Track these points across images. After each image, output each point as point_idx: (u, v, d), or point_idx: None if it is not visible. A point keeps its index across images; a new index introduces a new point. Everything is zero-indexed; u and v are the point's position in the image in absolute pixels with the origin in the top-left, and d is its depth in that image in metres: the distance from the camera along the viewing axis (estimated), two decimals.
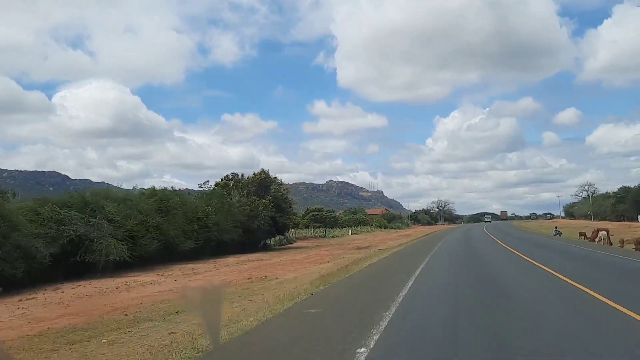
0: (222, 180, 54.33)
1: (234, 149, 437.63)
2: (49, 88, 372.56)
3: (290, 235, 65.07)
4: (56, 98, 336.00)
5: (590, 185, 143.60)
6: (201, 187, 46.52)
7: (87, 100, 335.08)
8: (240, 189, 51.55)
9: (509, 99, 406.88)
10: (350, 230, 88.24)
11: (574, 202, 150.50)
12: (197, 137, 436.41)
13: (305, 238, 68.61)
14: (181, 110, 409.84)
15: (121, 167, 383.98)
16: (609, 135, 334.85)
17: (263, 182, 53.59)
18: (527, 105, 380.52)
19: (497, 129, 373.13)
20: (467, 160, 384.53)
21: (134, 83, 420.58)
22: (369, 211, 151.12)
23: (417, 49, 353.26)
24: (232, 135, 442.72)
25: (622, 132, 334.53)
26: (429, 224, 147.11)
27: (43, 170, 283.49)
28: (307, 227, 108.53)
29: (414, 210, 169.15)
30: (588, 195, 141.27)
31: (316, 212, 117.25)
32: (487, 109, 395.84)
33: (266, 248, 53.35)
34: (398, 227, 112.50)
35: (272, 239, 56.94)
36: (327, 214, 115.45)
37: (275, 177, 55.32)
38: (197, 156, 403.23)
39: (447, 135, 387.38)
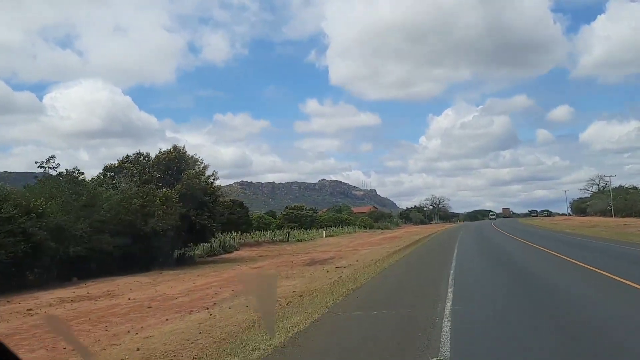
0: (118, 161, 35.67)
1: (227, 149, 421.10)
2: (39, 89, 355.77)
3: (232, 241, 46.58)
4: (46, 99, 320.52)
5: (601, 179, 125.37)
6: (42, 168, 27.76)
7: (78, 101, 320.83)
8: (131, 175, 33.13)
9: (502, 96, 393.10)
10: (325, 232, 69.60)
11: (584, 197, 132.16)
12: (189, 137, 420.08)
13: (257, 244, 50.06)
14: (173, 110, 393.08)
15: None
16: (603, 132, 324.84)
17: (174, 165, 35.05)
18: (520, 102, 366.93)
19: (490, 126, 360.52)
20: (460, 158, 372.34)
21: (124, 83, 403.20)
22: (356, 209, 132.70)
23: (410, 46, 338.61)
24: (224, 135, 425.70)
25: (615, 129, 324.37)
26: (422, 223, 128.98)
27: (33, 171, 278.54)
28: (280, 227, 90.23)
29: (405, 208, 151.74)
30: (600, 189, 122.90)
31: (291, 211, 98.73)
32: (481, 106, 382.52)
33: (183, 262, 34.87)
34: (386, 227, 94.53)
35: (195, 247, 38.64)
36: (305, 212, 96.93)
37: (196, 158, 36.46)
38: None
39: (441, 134, 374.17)
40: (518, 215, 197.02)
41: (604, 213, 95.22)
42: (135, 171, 33.61)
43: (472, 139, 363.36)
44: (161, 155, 34.58)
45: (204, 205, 34.13)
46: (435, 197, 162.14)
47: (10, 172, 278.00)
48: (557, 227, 66.05)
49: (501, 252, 26.69)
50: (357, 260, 29.05)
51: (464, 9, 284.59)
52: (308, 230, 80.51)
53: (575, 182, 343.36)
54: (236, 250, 44.17)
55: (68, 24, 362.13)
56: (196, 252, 40.33)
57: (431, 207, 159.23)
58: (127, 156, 36.02)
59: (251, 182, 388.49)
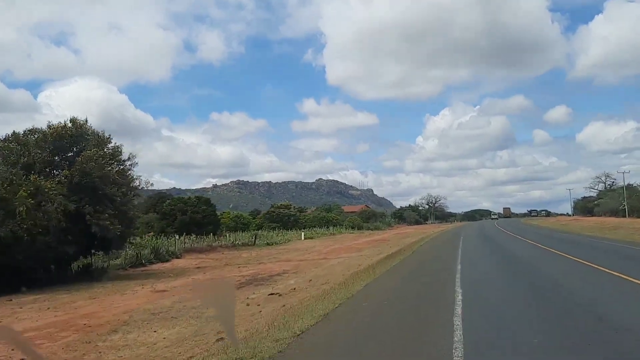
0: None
1: (223, 148, 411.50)
2: (34, 87, 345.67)
3: (173, 246, 36.53)
4: (41, 97, 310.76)
5: (608, 176, 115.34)
6: None
7: (73, 99, 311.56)
8: (6, 157, 23.14)
9: (499, 96, 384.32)
10: (304, 234, 59.53)
11: (588, 197, 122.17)
12: (185, 136, 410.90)
13: (209, 249, 39.68)
14: (169, 108, 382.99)
15: None
16: (600, 133, 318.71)
17: (70, 145, 25.02)
18: (518, 103, 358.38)
19: (487, 127, 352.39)
20: (457, 159, 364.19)
21: (120, 81, 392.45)
22: (347, 208, 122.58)
23: (407, 46, 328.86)
24: (221, 134, 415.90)
25: (612, 130, 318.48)
26: (417, 223, 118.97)
27: None
28: (260, 227, 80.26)
29: (398, 207, 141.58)
30: (606, 188, 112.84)
31: (274, 211, 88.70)
32: (478, 106, 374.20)
33: (89, 276, 24.99)
34: (377, 228, 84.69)
35: (110, 256, 28.74)
36: (289, 212, 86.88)
37: (106, 136, 26.12)
38: (186, 155, 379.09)
39: (438, 134, 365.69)
40: (517, 215, 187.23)
41: (615, 213, 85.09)
42: (13, 152, 23.61)
43: (469, 139, 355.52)
44: (50, 131, 24.50)
45: (107, 199, 24.07)
46: (432, 196, 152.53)
47: None
48: (572, 229, 56.03)
49: (561, 291, 12.70)
50: (310, 281, 19.24)
51: (461, 9, 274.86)
52: (289, 231, 70.56)
53: (572, 182, 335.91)
54: (177, 257, 34.27)
55: (63, 21, 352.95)
56: (116, 261, 30.36)
57: (427, 206, 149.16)
58: (14, 133, 25.97)
59: (247, 181, 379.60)
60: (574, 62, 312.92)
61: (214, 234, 57.60)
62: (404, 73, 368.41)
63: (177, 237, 45.15)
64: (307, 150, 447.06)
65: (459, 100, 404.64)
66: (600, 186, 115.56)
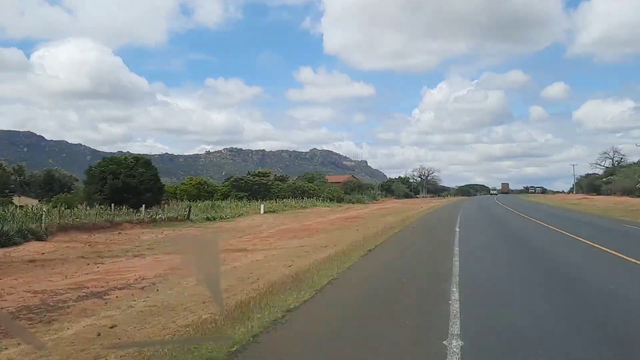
0: None
1: (218, 114, 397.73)
2: (27, 46, 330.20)
3: (36, 221, 24.64)
4: (34, 57, 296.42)
5: (616, 152, 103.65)
6: None
7: (67, 60, 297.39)
8: None
9: (497, 70, 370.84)
10: (263, 207, 47.68)
11: (593, 174, 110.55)
12: (180, 101, 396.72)
13: (109, 225, 27.92)
14: (164, 73, 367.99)
15: (102, 129, 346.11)
16: (596, 111, 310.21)
17: None
18: (516, 78, 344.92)
19: (484, 101, 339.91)
20: (453, 133, 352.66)
21: (114, 43, 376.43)
22: (332, 178, 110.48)
23: (407, 16, 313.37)
24: (216, 100, 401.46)
25: (609, 109, 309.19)
26: (407, 196, 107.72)
27: (18, 130, 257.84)
28: (226, 197, 68.70)
29: (387, 178, 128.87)
30: (614, 164, 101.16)
31: (242, 178, 76.92)
32: (475, 81, 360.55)
33: None
34: (359, 201, 73.15)
35: None
36: (260, 180, 75.12)
37: None
38: (181, 121, 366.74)
39: (434, 107, 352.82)
40: (513, 191, 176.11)
41: (630, 192, 73.56)
42: None
43: (465, 114, 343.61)
44: None
45: None
46: (424, 168, 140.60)
47: (11, 131, 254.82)
48: (592, 209, 44.32)
49: None
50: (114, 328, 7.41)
51: None
52: (254, 202, 58.81)
53: (568, 160, 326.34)
54: (38, 239, 22.72)
55: None
56: None
57: (419, 179, 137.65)
58: None
59: (241, 149, 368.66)
60: (574, 38, 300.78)
61: (156, 203, 46.52)
62: (402, 44, 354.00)
63: (98, 206, 34.59)
64: (303, 120, 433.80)
65: (456, 74, 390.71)
66: (607, 162, 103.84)
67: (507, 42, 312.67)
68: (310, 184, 74.19)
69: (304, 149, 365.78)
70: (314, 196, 70.51)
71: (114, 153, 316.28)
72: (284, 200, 64.33)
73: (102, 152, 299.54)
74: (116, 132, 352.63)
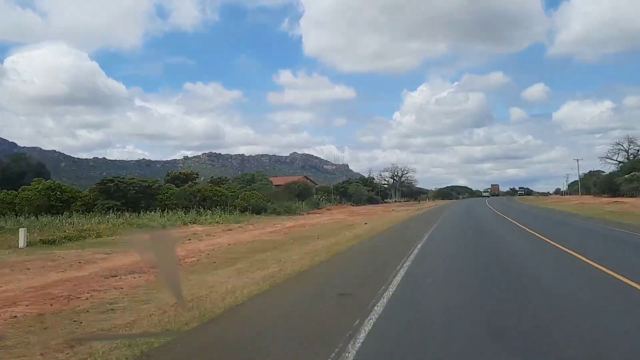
0: None
1: (198, 119, 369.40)
2: None
3: None
4: (8, 61, 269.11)
5: (632, 142, 78.99)
6: None
7: (42, 65, 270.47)
8: None
9: (478, 72, 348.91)
10: (24, 233, 22.21)
11: (598, 171, 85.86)
12: (159, 106, 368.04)
13: None
14: (141, 77, 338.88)
15: (81, 136, 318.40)
16: (576, 112, 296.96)
17: None
18: (496, 79, 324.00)
19: (465, 103, 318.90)
20: (434, 135, 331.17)
21: (90, 47, 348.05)
22: (279, 179, 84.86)
23: (386, 17, 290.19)
24: (195, 105, 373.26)
25: (588, 109, 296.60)
26: (372, 201, 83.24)
27: None
28: (90, 209, 43.13)
29: (342, 180, 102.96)
30: (630, 157, 76.44)
31: (112, 180, 51.01)
32: (456, 82, 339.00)
33: None
34: (289, 211, 47.14)
35: None
36: (143, 183, 49.31)
37: None
38: (160, 126, 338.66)
39: (415, 109, 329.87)
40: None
41: None
42: None
43: (446, 116, 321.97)
44: None
45: None
46: (397, 167, 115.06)
47: None
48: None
49: None
50: None
51: None
52: (140, 215, 33.25)
53: (547, 161, 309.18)
54: None
55: None
56: None
57: (392, 179, 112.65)
58: None
59: (220, 153, 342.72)
60: (554, 39, 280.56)
61: None
62: (382, 45, 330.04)
63: None
64: (283, 123, 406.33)
65: (437, 75, 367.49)
66: (622, 155, 79.11)
67: (487, 42, 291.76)
68: (218, 189, 48.47)
69: (285, 153, 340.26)
70: (221, 204, 45.09)
71: (90, 160, 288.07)
72: (173, 212, 39.49)
73: (78, 158, 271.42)
74: (94, 139, 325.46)
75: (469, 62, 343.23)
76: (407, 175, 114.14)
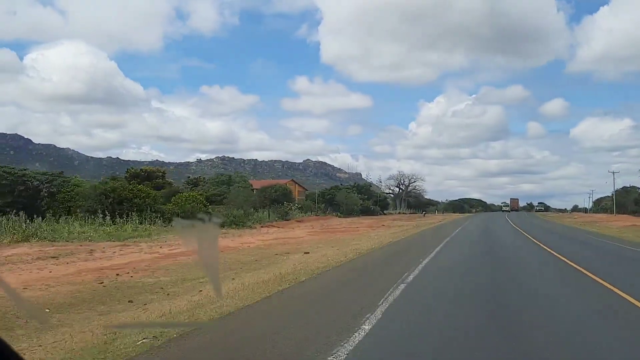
0: None
1: (213, 122, 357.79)
2: (19, 47, 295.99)
3: None
4: (27, 59, 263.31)
5: None
6: None
7: (61, 63, 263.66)
8: None
9: (496, 85, 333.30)
10: None
11: (635, 187, 70.65)
12: (175, 108, 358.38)
13: None
14: (159, 79, 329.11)
15: (96, 135, 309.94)
16: (594, 129, 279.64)
17: None
18: (515, 93, 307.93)
19: (482, 116, 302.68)
20: (449, 147, 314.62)
21: (109, 47, 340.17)
22: (260, 182, 71.18)
23: (405, 27, 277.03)
24: (211, 108, 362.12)
25: (607, 127, 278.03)
26: (366, 212, 67.21)
27: (4, 132, 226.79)
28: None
29: (329, 185, 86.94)
30: None
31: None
32: (474, 95, 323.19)
33: None
34: (238, 223, 33.87)
35: None
36: (25, 178, 36.16)
37: None
38: (176, 128, 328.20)
39: (431, 121, 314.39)
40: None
41: None
42: None
43: (462, 128, 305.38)
44: None
45: None
46: (403, 174, 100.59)
47: None
48: None
49: None
50: None
51: None
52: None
53: (562, 178, 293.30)
54: None
55: None
56: None
57: (397, 188, 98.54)
58: None
59: (233, 157, 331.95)
60: (575, 54, 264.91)
61: None
62: (400, 55, 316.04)
63: None
64: (298, 130, 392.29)
65: (454, 87, 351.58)
66: None
67: (507, 55, 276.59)
68: (142, 189, 34.77)
69: (299, 159, 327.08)
70: (142, 210, 31.83)
71: (104, 159, 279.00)
72: (63, 218, 26.59)
73: (92, 157, 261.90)
74: (110, 138, 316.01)
75: (487, 75, 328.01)
76: (415, 184, 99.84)
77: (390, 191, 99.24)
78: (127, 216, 31.93)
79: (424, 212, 76.36)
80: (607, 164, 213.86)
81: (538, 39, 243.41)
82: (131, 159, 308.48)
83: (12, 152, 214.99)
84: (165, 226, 30.60)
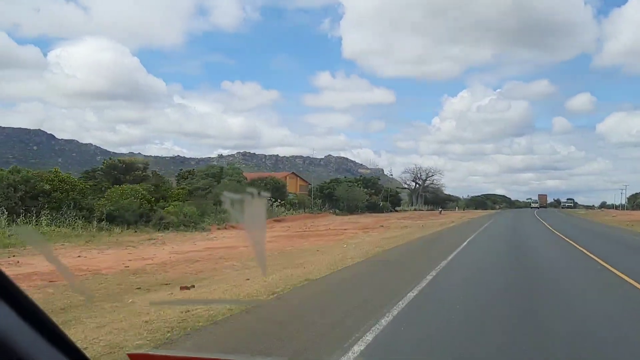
0: None
1: (235, 118, 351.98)
2: (43, 44, 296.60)
3: None
4: (51, 55, 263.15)
5: None
6: None
7: (84, 59, 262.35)
8: None
9: (522, 80, 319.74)
10: None
11: None
12: (197, 104, 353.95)
13: None
14: (181, 75, 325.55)
15: (119, 130, 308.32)
16: (621, 124, 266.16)
17: None
18: (541, 88, 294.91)
19: (507, 111, 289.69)
20: (473, 143, 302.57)
21: (131, 43, 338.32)
22: (254, 175, 63.03)
23: (428, 20, 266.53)
24: (232, 103, 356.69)
25: (635, 122, 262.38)
26: (374, 209, 57.69)
27: (28, 128, 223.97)
28: None
29: (326, 181, 73.69)
30: None
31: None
32: (498, 90, 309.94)
33: None
34: (195, 227, 25.92)
35: None
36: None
37: None
38: (198, 124, 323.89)
39: (455, 116, 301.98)
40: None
41: None
42: None
43: (487, 124, 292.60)
44: None
45: None
46: (420, 168, 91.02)
47: (4, 128, 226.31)
48: None
49: None
50: None
51: None
52: None
53: (588, 174, 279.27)
54: None
55: None
56: None
57: (413, 183, 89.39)
58: None
59: (254, 153, 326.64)
60: (603, 47, 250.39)
61: None
62: (423, 49, 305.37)
63: None
64: (320, 125, 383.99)
65: (478, 82, 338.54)
66: None
67: (533, 50, 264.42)
68: (69, 179, 26.86)
69: (320, 155, 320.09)
70: (61, 206, 24.11)
71: (125, 154, 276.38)
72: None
73: (114, 152, 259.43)
74: (133, 134, 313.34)
75: (512, 69, 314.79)
76: (432, 178, 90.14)
77: (407, 186, 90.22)
78: (44, 212, 24.20)
79: (440, 209, 66.87)
80: (635, 159, 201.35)
81: (564, 33, 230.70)
82: (153, 155, 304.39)
83: (35, 148, 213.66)
84: (89, 227, 22.69)
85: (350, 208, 51.58)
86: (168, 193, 34.31)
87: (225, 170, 59.11)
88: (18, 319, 0.99)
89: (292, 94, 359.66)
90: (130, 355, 1.27)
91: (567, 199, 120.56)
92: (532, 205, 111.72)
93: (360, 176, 69.17)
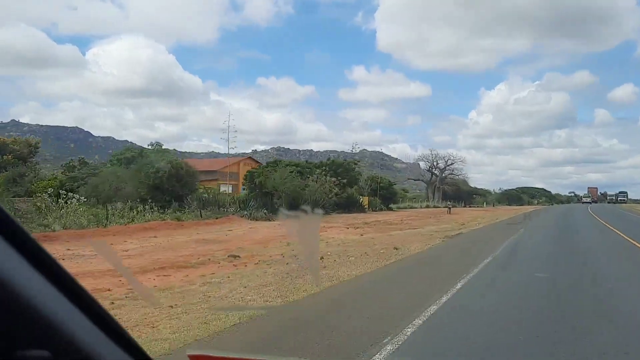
0: None
1: (271, 114, 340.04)
2: (81, 43, 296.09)
3: None
4: (89, 54, 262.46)
5: None
6: None
7: (121, 57, 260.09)
8: None
9: (561, 71, 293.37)
10: None
11: None
12: (233, 100, 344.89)
13: None
14: (215, 71, 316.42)
15: (156, 128, 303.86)
16: None
17: None
18: (581, 79, 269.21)
19: (546, 104, 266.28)
20: (512, 136, 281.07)
21: (166, 41, 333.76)
22: (223, 162, 47.81)
23: (464, 11, 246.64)
24: (267, 99, 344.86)
25: None
26: (348, 207, 37.94)
27: (65, 125, 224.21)
28: None
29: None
30: None
31: None
32: (537, 82, 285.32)
33: None
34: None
35: None
36: None
37: None
38: (234, 121, 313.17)
39: (492, 109, 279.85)
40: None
41: None
42: None
43: (525, 116, 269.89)
44: None
45: None
46: (437, 154, 73.40)
47: (42, 125, 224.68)
48: None
49: None
50: None
51: None
52: None
53: (632, 167, 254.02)
54: None
55: None
56: None
57: (430, 171, 72.26)
58: None
59: (288, 148, 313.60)
60: None
61: None
62: (459, 41, 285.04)
63: None
64: (355, 120, 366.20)
65: (516, 74, 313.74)
66: None
67: (572, 39, 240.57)
68: None
69: (355, 149, 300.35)
70: None
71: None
72: None
73: (150, 149, 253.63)
74: (170, 131, 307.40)
75: (551, 61, 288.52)
76: (452, 167, 72.50)
77: (421, 177, 73.76)
78: None
79: (449, 207, 49.92)
80: None
81: (605, 21, 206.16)
82: (188, 151, 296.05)
83: (72, 145, 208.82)
84: None
85: (294, 206, 33.25)
86: None
87: (146, 152, 44.15)
88: (83, 317, 1.00)
89: (326, 89, 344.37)
90: (190, 357, 1.26)
91: (620, 192, 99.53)
92: (584, 200, 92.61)
93: (329, 159, 53.07)
